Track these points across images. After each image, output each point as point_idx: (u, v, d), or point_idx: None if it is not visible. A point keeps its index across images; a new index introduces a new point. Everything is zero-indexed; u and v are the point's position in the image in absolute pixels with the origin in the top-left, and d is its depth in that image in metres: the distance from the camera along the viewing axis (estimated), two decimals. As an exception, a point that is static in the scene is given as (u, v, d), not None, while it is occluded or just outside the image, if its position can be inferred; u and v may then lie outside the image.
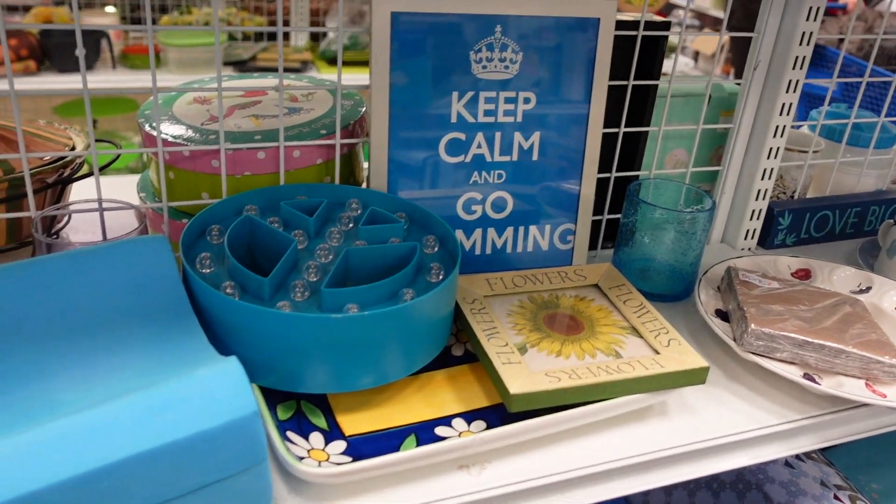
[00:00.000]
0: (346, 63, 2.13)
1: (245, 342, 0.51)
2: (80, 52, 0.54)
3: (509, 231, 0.72)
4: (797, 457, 0.79)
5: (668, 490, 0.78)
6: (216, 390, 0.41)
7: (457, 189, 0.69)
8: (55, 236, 0.71)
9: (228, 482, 0.42)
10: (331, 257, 0.58)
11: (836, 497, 0.74)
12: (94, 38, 1.96)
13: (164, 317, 0.50)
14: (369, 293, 0.53)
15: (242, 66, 2.11)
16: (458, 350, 0.62)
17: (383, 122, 0.64)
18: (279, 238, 0.57)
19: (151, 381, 0.44)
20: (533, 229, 0.72)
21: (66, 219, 0.65)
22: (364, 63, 2.12)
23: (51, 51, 1.89)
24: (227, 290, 0.52)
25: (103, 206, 0.61)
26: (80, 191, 0.73)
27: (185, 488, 0.41)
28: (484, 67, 0.66)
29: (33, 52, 1.86)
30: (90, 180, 0.74)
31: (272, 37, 2.29)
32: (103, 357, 0.47)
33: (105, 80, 2.02)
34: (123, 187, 0.78)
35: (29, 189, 0.58)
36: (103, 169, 0.71)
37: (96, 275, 0.50)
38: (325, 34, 2.33)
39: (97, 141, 0.73)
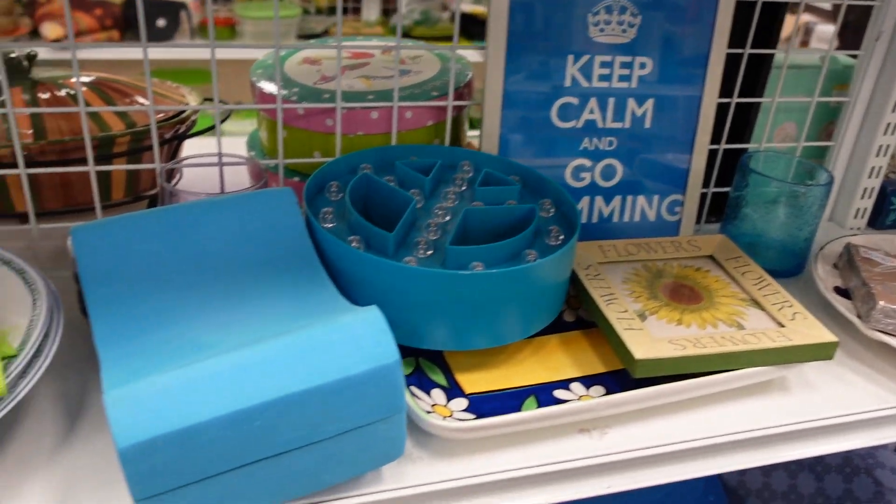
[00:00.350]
0: (419, 37, 2.12)
1: (368, 296, 0.51)
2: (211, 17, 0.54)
3: (617, 200, 0.70)
4: (903, 444, 0.76)
5: (767, 471, 0.77)
6: (361, 337, 0.41)
7: (567, 155, 0.68)
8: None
9: (367, 429, 0.42)
10: (448, 217, 0.58)
11: (946, 487, 0.71)
12: (174, 9, 2.00)
13: (292, 267, 0.51)
14: (493, 252, 0.53)
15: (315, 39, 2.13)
16: (570, 316, 0.61)
17: (498, 85, 0.64)
18: (397, 196, 0.57)
19: (290, 327, 0.45)
20: (641, 199, 0.71)
21: (179, 174, 0.66)
22: (434, 38, 2.11)
23: (133, 21, 1.93)
24: (354, 244, 0.52)
25: (223, 160, 0.62)
26: (189, 149, 0.74)
27: (328, 432, 0.41)
28: (601, 31, 0.65)
29: (117, 23, 1.90)
30: (197, 140, 0.75)
31: (344, 10, 2.30)
32: (239, 303, 0.48)
33: (183, 51, 2.06)
34: (232, 146, 0.79)
35: (155, 141, 0.60)
36: (214, 128, 0.72)
37: (228, 224, 0.51)
38: (395, 9, 2.33)
39: (207, 100, 0.74)
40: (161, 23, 1.94)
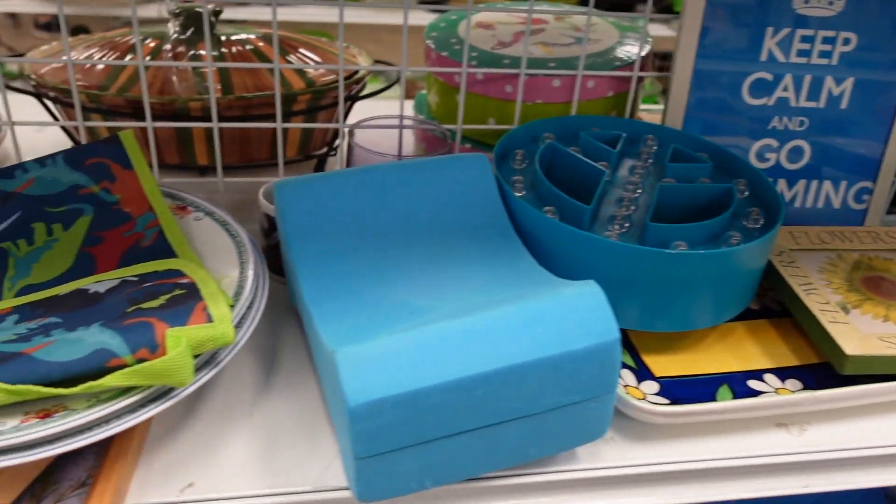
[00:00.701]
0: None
1: (561, 268, 0.49)
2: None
3: (801, 184, 0.66)
4: None
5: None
6: (583, 312, 0.40)
7: (753, 134, 0.64)
8: (334, 153, 0.73)
9: (579, 406, 0.41)
10: (639, 192, 0.56)
11: None
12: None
13: (488, 234, 0.50)
14: (695, 232, 0.50)
15: (437, 4, 2.11)
16: (755, 304, 0.58)
17: (689, 56, 0.61)
18: (586, 168, 0.55)
19: (498, 296, 0.44)
20: (827, 184, 0.66)
21: (346, 135, 0.66)
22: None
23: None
24: (549, 215, 0.51)
25: (404, 123, 0.61)
26: (356, 112, 0.74)
27: (542, 406, 0.40)
28: (806, 2, 0.60)
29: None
30: (363, 103, 0.75)
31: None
32: (442, 267, 0.48)
33: (302, 13, 2.09)
34: (395, 110, 0.79)
35: (341, 99, 0.60)
36: (384, 91, 0.72)
37: (427, 187, 0.51)
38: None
39: (377, 62, 0.74)
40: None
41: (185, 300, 0.41)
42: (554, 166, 0.58)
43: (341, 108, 0.60)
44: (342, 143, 0.60)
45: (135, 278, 0.45)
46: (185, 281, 0.44)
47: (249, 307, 0.45)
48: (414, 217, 0.50)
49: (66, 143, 0.73)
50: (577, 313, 0.40)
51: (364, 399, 0.36)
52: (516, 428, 0.41)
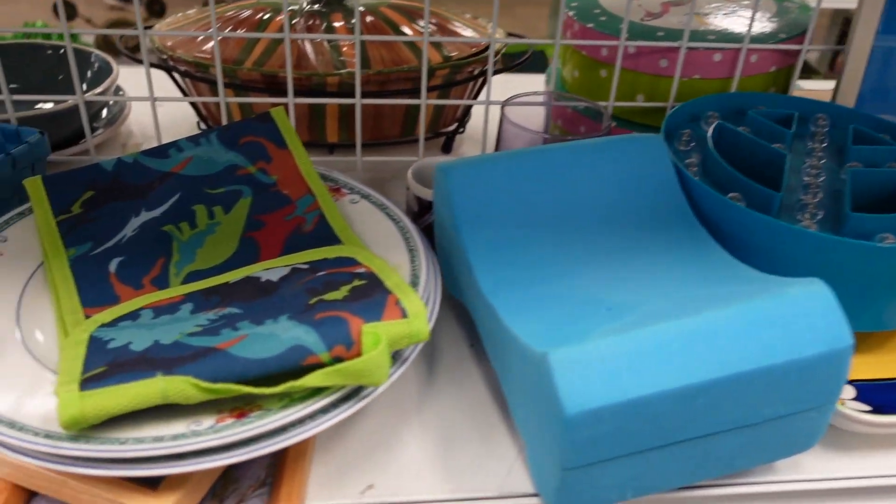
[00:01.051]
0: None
1: (751, 261, 0.45)
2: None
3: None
4: None
5: None
6: (813, 314, 0.36)
7: (934, 113, 0.58)
8: (462, 130, 0.70)
9: (799, 416, 0.38)
10: (822, 177, 0.51)
11: None
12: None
13: (671, 223, 0.46)
14: (900, 223, 0.46)
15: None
16: (942, 300, 0.53)
17: (870, 30, 0.55)
18: (764, 151, 0.51)
19: (700, 291, 0.40)
20: None
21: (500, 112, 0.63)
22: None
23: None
24: (736, 202, 0.47)
25: (555, 100, 0.58)
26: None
27: (761, 416, 0.37)
28: None
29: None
30: (496, 79, 0.71)
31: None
32: (627, 258, 0.44)
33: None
34: (525, 84, 0.75)
35: (490, 74, 0.56)
36: (520, 64, 0.68)
37: (601, 170, 0.47)
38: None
39: (510, 34, 0.70)
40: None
41: (370, 292, 0.38)
42: (723, 148, 0.54)
43: (490, 82, 0.57)
44: (486, 120, 0.57)
45: (304, 265, 0.42)
46: (361, 270, 0.41)
47: (426, 300, 0.42)
48: (589, 203, 0.46)
49: (184, 119, 0.71)
50: (807, 316, 0.36)
51: (581, 408, 0.33)
52: (730, 438, 0.37)
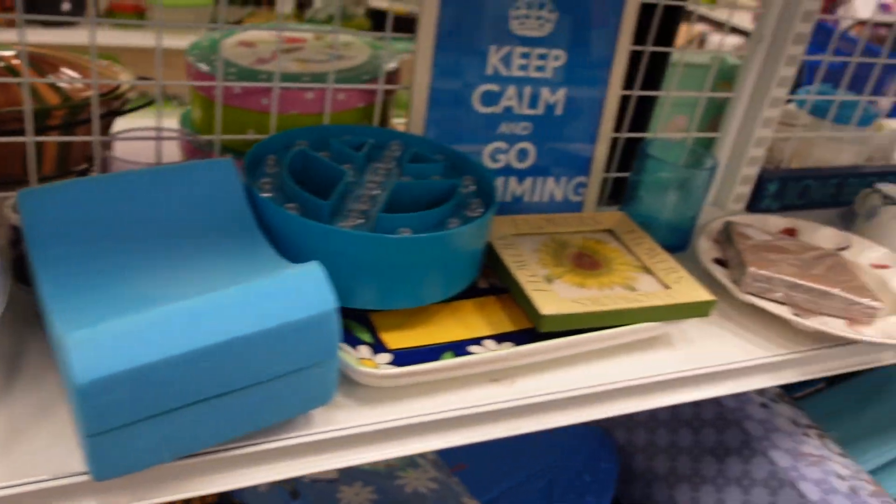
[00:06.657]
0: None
1: (304, 259, 0.55)
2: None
3: (529, 181, 0.77)
4: (771, 399, 0.87)
5: (652, 428, 0.86)
6: (302, 286, 0.46)
7: (485, 138, 0.74)
8: (93, 168, 0.75)
9: (303, 373, 0.47)
10: (379, 190, 0.63)
11: (805, 434, 0.82)
12: (80, -9, 1.96)
13: (233, 232, 0.55)
14: (420, 220, 0.58)
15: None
16: (484, 283, 0.68)
17: (426, 71, 0.69)
18: (332, 170, 0.62)
19: (234, 282, 0.49)
20: (550, 180, 0.78)
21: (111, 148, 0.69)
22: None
23: (39, 4, 1.89)
24: (292, 211, 0.57)
25: (161, 135, 0.65)
26: (119, 126, 0.76)
27: (268, 375, 0.46)
28: (521, 24, 0.71)
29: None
30: (125, 120, 0.77)
31: (258, 2, 2.30)
32: (182, 262, 0.52)
33: (82, 35, 2.02)
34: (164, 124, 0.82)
35: (95, 112, 0.62)
36: (146, 106, 0.75)
37: (172, 191, 0.55)
38: (310, 3, 2.36)
39: (141, 78, 0.77)
40: (66, 6, 1.92)
41: None
42: (306, 170, 0.64)
43: (96, 121, 0.63)
44: (105, 154, 0.63)
45: None
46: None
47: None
48: (159, 219, 0.54)
49: None
50: (297, 289, 0.46)
51: (92, 376, 0.40)
52: (247, 396, 0.46)
